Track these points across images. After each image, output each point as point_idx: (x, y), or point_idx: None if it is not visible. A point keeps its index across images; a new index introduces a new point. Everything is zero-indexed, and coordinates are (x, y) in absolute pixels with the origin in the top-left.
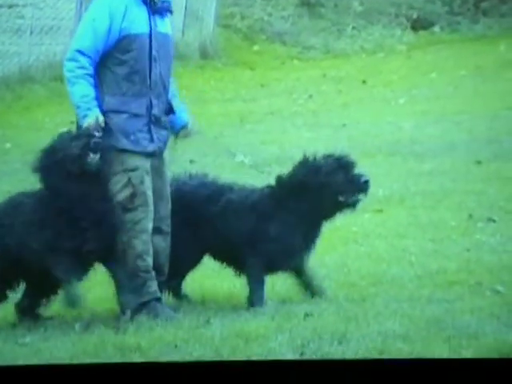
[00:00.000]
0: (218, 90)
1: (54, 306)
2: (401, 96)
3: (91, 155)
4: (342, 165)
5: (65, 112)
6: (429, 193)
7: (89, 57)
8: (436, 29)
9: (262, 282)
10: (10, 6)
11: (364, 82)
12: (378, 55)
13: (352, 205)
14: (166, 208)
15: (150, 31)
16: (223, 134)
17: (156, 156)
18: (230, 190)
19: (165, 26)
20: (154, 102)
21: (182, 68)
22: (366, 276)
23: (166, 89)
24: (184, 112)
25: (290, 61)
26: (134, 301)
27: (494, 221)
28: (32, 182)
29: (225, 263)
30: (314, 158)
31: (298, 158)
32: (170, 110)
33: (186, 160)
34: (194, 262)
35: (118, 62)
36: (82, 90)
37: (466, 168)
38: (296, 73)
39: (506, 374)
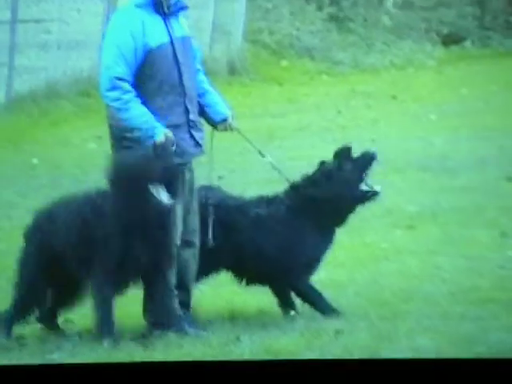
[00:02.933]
0: (246, 105)
1: (82, 321)
2: (431, 111)
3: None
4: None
5: (92, 127)
6: (460, 209)
7: (127, 81)
8: (467, 44)
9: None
10: (37, 21)
11: (394, 97)
12: (407, 70)
13: (372, 196)
14: (195, 221)
15: (171, 39)
16: (251, 149)
17: (189, 166)
18: (254, 203)
19: (182, 28)
20: (189, 107)
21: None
22: (398, 293)
23: (195, 91)
24: (223, 105)
25: (319, 76)
26: (162, 317)
27: None
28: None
29: (246, 279)
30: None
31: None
32: (201, 111)
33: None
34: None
35: (148, 78)
36: (138, 112)
37: (498, 184)
38: (325, 88)
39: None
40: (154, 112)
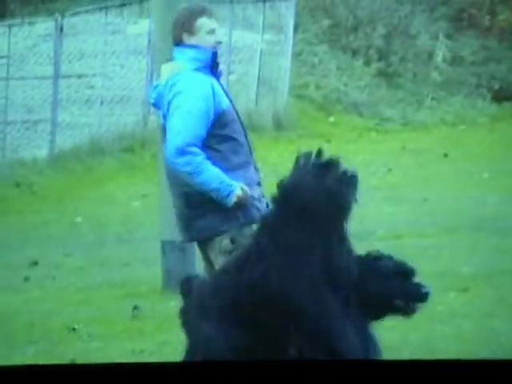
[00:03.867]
0: (293, 162)
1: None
2: (484, 170)
3: None
4: (401, 270)
5: (136, 184)
6: None
7: (196, 145)
8: None
9: None
10: (80, 77)
11: (445, 155)
12: (459, 127)
13: (407, 312)
14: None
15: (230, 100)
16: None
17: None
18: None
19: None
20: (256, 165)
21: (256, 139)
22: (453, 357)
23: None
24: None
25: (368, 133)
26: None
27: None
28: (104, 257)
29: None
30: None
31: (379, 233)
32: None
33: None
34: None
35: (223, 138)
36: (212, 173)
37: None
38: (374, 145)
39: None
40: (229, 172)
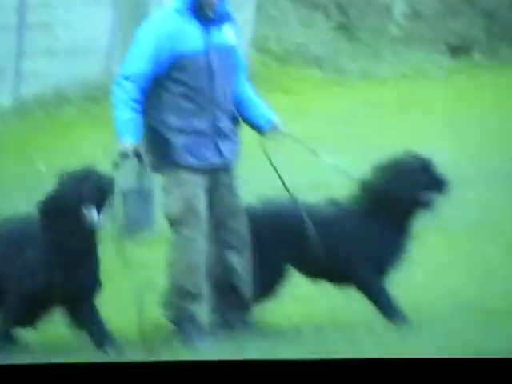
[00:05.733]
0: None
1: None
2: (439, 122)
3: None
4: (421, 165)
5: (100, 134)
6: (469, 222)
7: (133, 81)
8: (476, 54)
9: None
10: (44, 26)
11: (402, 107)
12: (416, 80)
13: (430, 204)
14: (239, 223)
15: (206, 47)
16: (258, 158)
17: (226, 170)
18: (319, 208)
19: (224, 36)
20: (220, 115)
21: None
22: (407, 305)
23: (231, 99)
24: (267, 112)
25: (327, 86)
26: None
27: None
28: None
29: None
30: (394, 162)
31: (334, 182)
32: (235, 120)
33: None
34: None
35: (175, 82)
36: (122, 114)
37: (506, 197)
38: (333, 98)
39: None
40: (179, 115)
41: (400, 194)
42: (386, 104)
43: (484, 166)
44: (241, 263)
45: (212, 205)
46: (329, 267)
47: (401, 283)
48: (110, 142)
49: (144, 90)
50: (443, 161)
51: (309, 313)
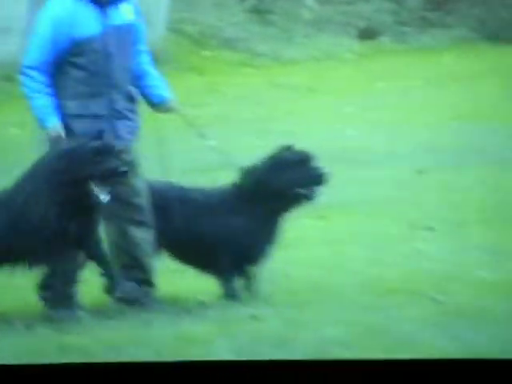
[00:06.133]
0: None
1: None
2: (348, 104)
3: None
4: (301, 159)
5: (16, 112)
6: (371, 201)
7: (37, 68)
8: (384, 38)
9: (233, 279)
10: None
11: (312, 89)
12: (326, 63)
13: (309, 197)
14: (143, 199)
15: (103, 30)
16: (170, 138)
17: (126, 151)
18: (196, 191)
19: (121, 15)
20: (117, 97)
21: None
22: (307, 282)
23: (128, 81)
24: (163, 87)
25: (240, 67)
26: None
27: (433, 230)
28: None
29: (187, 263)
30: (274, 155)
31: (246, 164)
32: (133, 99)
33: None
34: None
35: (74, 67)
36: (38, 102)
37: (409, 177)
38: (245, 79)
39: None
40: (77, 100)
41: (278, 186)
42: (296, 85)
43: (390, 147)
44: (145, 238)
45: (115, 184)
46: (194, 253)
47: (301, 261)
48: (27, 120)
49: (50, 75)
50: (351, 141)
51: (215, 289)
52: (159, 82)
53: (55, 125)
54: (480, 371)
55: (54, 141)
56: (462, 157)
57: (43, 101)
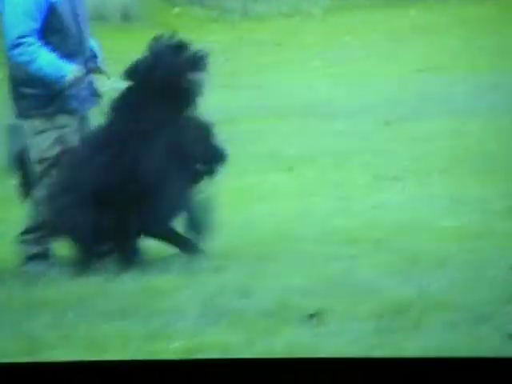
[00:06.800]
0: (136, 51)
1: None
2: (315, 58)
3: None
4: (203, 134)
5: None
6: (338, 152)
7: (30, 35)
8: None
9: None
10: None
11: (279, 44)
12: (294, 19)
13: (209, 173)
14: None
15: None
16: None
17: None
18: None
19: None
20: (88, 56)
21: (103, 30)
22: (272, 233)
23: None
24: (96, 50)
25: (209, 23)
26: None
27: (399, 180)
28: None
29: None
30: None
31: (215, 118)
32: (95, 55)
33: None
34: None
35: (54, 30)
36: (44, 59)
37: (375, 128)
38: (214, 35)
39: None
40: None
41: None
42: (265, 41)
43: (356, 99)
44: None
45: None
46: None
47: (267, 212)
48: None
49: (41, 39)
50: (318, 94)
51: None
52: (94, 44)
53: (73, 69)
54: (480, 371)
55: (76, 82)
56: (425, 107)
57: (48, 56)
